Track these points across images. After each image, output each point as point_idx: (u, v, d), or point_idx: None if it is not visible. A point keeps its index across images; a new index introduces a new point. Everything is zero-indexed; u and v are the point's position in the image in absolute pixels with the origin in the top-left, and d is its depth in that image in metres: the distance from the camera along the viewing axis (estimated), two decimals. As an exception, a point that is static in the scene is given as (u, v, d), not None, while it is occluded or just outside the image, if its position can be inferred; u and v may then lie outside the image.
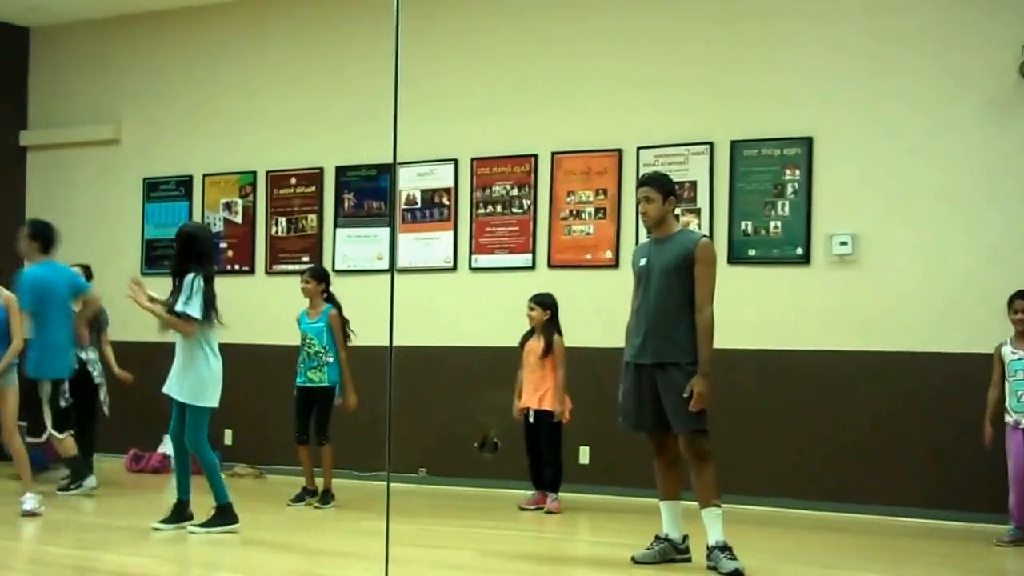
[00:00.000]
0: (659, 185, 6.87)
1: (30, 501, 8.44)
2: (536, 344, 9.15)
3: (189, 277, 7.69)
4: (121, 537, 7.85)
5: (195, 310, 7.63)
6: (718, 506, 6.65)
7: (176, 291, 7.72)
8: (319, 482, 9.22)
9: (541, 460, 9.15)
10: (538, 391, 9.10)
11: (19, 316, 8.66)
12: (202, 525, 7.74)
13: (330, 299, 9.32)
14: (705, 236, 7.22)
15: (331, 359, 9.14)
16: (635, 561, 6.82)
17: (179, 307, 7.63)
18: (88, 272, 10.52)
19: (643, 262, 6.87)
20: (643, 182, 6.98)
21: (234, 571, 6.94)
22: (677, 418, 6.63)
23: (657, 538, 6.90)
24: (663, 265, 6.74)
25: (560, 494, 9.12)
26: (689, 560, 6.81)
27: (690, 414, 6.59)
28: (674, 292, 6.70)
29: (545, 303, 9.21)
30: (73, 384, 10.03)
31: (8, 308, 8.62)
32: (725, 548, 6.58)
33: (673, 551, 6.84)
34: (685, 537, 6.89)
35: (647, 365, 6.74)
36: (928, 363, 8.87)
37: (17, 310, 8.65)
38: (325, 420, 9.10)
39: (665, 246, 6.81)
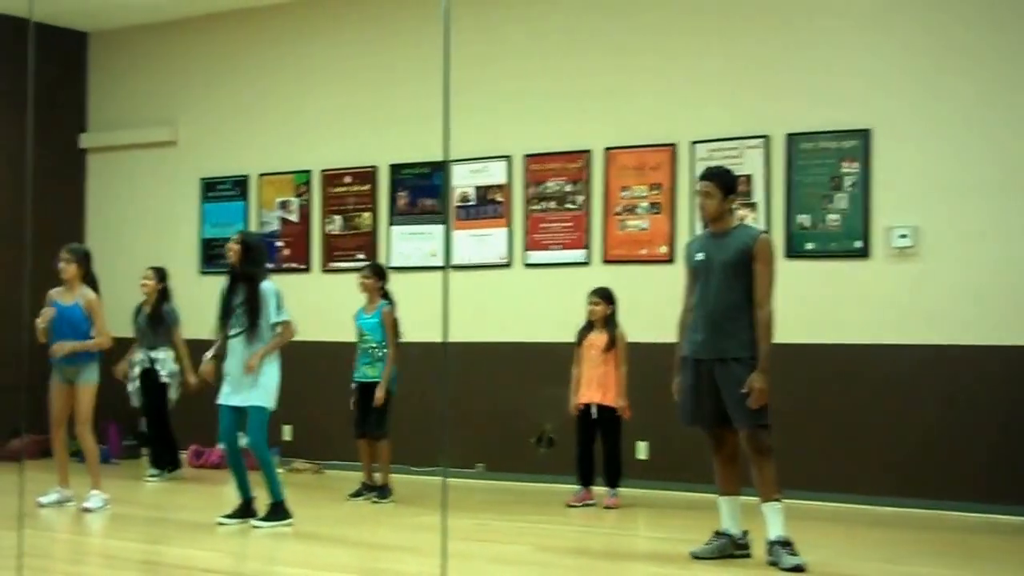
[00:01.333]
0: (720, 180, 6.82)
1: (95, 499, 8.56)
2: (599, 338, 9.11)
3: (268, 286, 7.94)
4: (184, 531, 7.95)
5: (287, 314, 8.00)
6: (779, 501, 6.61)
7: (249, 296, 7.91)
8: (377, 477, 9.26)
9: (592, 455, 9.13)
10: (603, 386, 9.05)
11: (102, 316, 8.76)
12: (262, 519, 7.83)
13: (386, 296, 9.37)
14: (765, 232, 7.14)
15: (385, 354, 9.19)
16: (694, 557, 6.78)
17: (275, 317, 7.93)
18: (162, 274, 10.73)
19: (700, 256, 6.82)
20: (704, 176, 6.94)
21: (294, 565, 6.97)
22: (738, 413, 6.60)
23: (716, 533, 6.86)
24: (723, 261, 6.70)
25: (618, 489, 9.12)
26: (749, 556, 6.77)
27: (751, 409, 6.56)
28: (734, 288, 6.67)
29: (608, 297, 9.18)
30: (142, 383, 10.56)
31: (91, 309, 8.71)
32: (786, 543, 6.54)
33: (732, 546, 6.80)
34: (745, 532, 6.84)
35: (706, 360, 6.71)
36: (990, 356, 8.76)
37: (100, 311, 8.75)
38: (383, 415, 9.13)
39: (724, 241, 6.76)
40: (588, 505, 9.03)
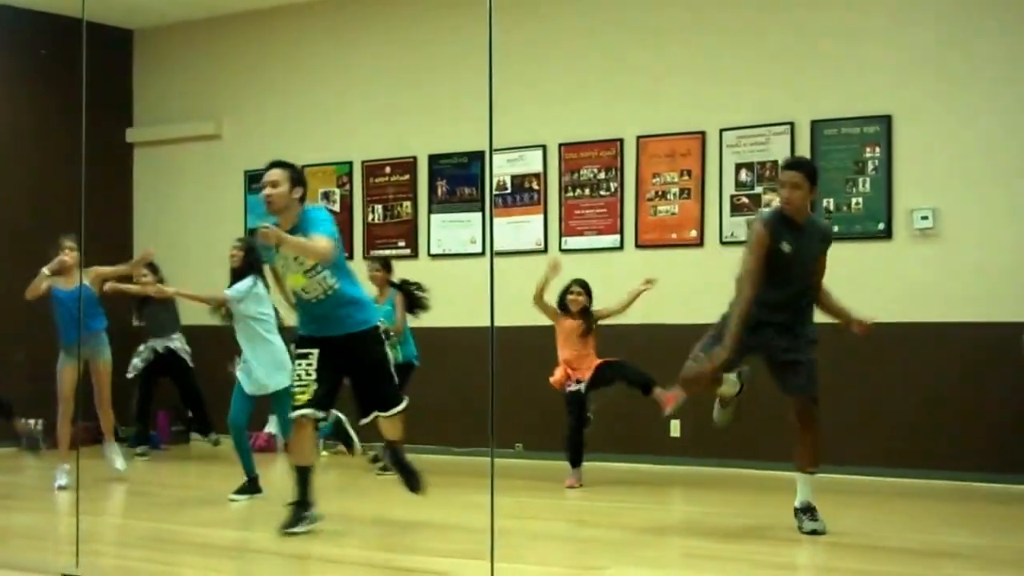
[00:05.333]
0: (808, 172, 6.82)
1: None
2: (579, 325, 9.24)
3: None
4: (231, 513, 8.24)
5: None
6: (812, 474, 6.94)
7: None
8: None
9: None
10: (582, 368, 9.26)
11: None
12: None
13: (393, 286, 9.95)
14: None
15: (399, 338, 9.70)
16: (717, 421, 7.33)
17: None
18: (155, 268, 11.19)
19: (787, 249, 6.77)
20: (791, 166, 6.90)
21: (340, 545, 6.99)
22: (801, 383, 6.88)
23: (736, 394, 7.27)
24: (809, 255, 6.89)
25: (651, 467, 9.45)
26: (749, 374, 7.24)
27: (812, 382, 6.90)
28: (812, 277, 6.99)
29: (589, 289, 9.36)
30: (170, 369, 11.30)
31: (95, 285, 9.36)
32: (807, 510, 6.88)
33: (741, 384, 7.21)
34: (745, 370, 7.20)
35: (775, 324, 6.90)
36: (1009, 333, 8.87)
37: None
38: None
39: (808, 233, 6.87)
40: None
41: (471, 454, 10.53)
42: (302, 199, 7.09)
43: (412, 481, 7.45)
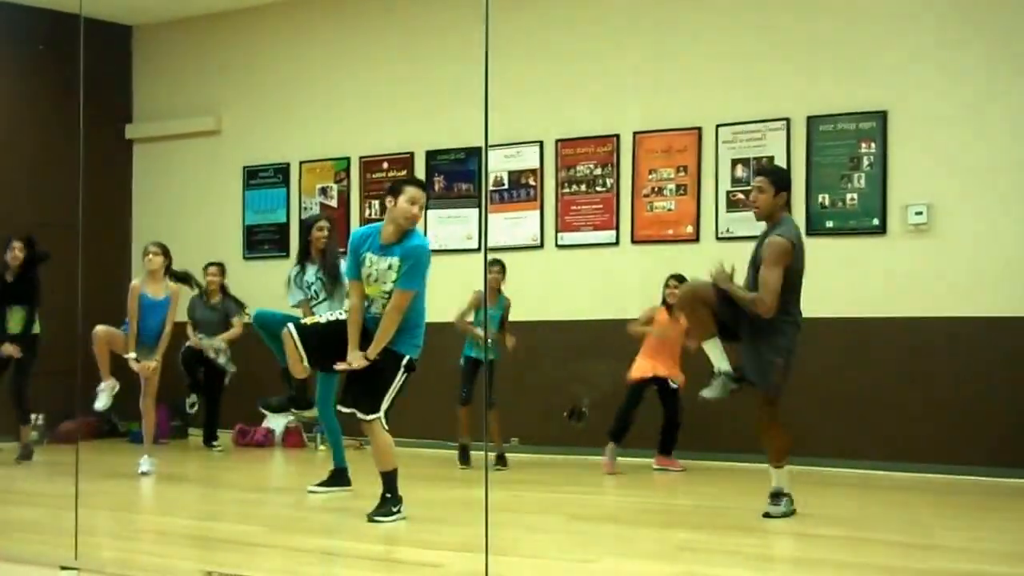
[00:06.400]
0: (772, 177, 7.16)
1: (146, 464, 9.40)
2: (675, 321, 9.43)
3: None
4: (234, 506, 8.28)
5: None
6: (780, 467, 7.10)
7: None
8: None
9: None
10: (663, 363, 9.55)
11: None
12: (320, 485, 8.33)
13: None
14: (781, 236, 7.04)
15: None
16: (703, 397, 7.23)
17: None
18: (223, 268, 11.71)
19: (754, 251, 7.18)
20: (758, 172, 7.32)
21: (339, 537, 7.09)
22: (759, 376, 7.03)
23: (712, 374, 7.29)
24: (760, 256, 7.06)
25: (643, 460, 9.52)
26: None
27: (765, 376, 6.99)
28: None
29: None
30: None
31: (176, 299, 9.69)
32: (773, 495, 7.08)
33: (731, 381, 7.22)
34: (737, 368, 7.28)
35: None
36: (1001, 327, 9.05)
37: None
38: None
39: (765, 236, 7.11)
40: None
41: (467, 448, 10.55)
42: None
43: (383, 509, 7.28)
